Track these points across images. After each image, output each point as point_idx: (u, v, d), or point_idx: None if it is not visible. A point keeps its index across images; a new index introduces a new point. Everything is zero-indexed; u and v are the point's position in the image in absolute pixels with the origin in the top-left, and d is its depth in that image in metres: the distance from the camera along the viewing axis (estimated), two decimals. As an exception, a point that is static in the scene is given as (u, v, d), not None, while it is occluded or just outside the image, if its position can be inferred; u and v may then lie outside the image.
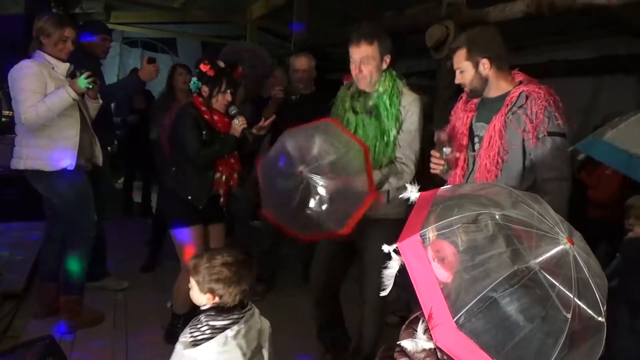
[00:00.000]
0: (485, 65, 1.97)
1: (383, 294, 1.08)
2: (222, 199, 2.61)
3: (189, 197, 2.51)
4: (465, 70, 2.02)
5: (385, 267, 1.06)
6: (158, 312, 3.13)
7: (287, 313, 3.21)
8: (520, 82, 2.01)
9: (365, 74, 2.25)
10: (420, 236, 1.00)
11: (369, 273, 2.28)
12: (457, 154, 2.14)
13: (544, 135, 1.85)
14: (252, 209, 3.72)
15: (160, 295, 3.42)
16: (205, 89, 2.52)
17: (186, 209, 2.54)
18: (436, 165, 2.15)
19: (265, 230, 3.60)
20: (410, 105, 2.25)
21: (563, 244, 0.93)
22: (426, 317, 0.94)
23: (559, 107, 1.89)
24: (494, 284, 0.89)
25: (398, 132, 2.24)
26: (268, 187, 2.10)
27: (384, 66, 2.28)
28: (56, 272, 2.91)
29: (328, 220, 1.95)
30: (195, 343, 1.47)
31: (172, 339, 2.53)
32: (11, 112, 3.55)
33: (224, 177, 2.59)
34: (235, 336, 1.48)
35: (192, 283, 1.59)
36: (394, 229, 2.22)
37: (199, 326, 1.51)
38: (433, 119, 3.80)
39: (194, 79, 2.54)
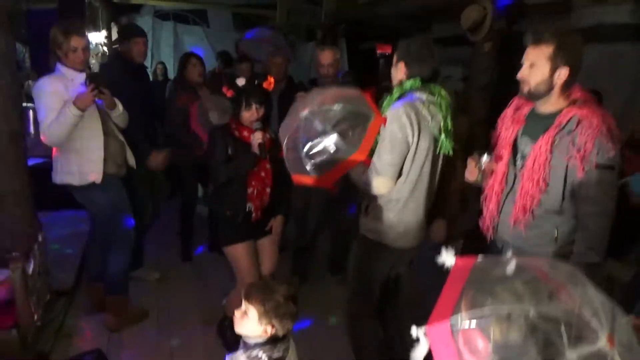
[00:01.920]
0: (563, 74, 1.77)
1: None
2: (253, 214, 2.62)
3: (227, 213, 2.57)
4: (539, 68, 1.79)
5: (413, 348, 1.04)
6: (199, 307, 3.28)
7: (319, 305, 3.35)
8: (575, 101, 1.83)
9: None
10: (451, 324, 0.97)
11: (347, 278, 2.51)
12: (495, 166, 2.05)
13: (592, 167, 1.72)
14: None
15: (201, 287, 3.57)
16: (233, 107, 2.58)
17: (233, 227, 2.60)
18: (471, 174, 2.06)
19: (301, 230, 3.69)
20: (388, 116, 2.10)
21: (601, 345, 0.88)
22: None
23: (612, 136, 1.73)
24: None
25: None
26: (290, 148, 2.18)
27: (400, 76, 2.20)
28: (102, 272, 3.03)
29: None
30: None
31: (221, 335, 2.81)
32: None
33: (255, 192, 2.60)
34: None
35: (250, 312, 1.56)
36: (367, 249, 2.28)
37: None
38: (467, 108, 3.66)
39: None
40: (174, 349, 2.85)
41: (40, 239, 2.77)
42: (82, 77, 2.65)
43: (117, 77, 3.06)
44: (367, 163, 2.15)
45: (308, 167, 2.09)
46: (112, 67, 3.51)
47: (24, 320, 2.40)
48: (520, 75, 1.85)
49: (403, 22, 5.90)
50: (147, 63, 8.60)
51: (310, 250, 3.76)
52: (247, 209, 2.59)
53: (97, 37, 7.48)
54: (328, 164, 2.09)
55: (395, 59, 2.21)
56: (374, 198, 2.22)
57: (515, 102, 2.06)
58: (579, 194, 1.76)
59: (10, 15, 2.62)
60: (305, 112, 2.11)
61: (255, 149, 2.49)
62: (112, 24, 8.22)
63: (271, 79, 2.64)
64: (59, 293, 3.16)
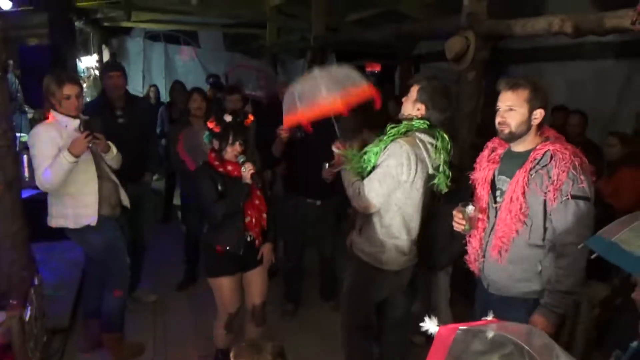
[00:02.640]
0: (538, 116, 1.91)
1: None
2: (256, 241, 2.71)
3: (227, 248, 2.62)
4: (518, 111, 1.91)
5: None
6: (196, 339, 3.33)
7: (316, 331, 3.44)
8: (547, 139, 1.96)
9: (404, 103, 2.42)
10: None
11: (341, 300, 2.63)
12: (480, 215, 2.13)
13: (567, 198, 1.82)
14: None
15: (198, 317, 3.62)
16: (215, 143, 2.61)
17: (223, 261, 2.66)
18: (458, 225, 2.14)
19: (290, 251, 3.73)
20: (390, 149, 2.25)
21: None
22: None
23: (584, 169, 1.84)
24: None
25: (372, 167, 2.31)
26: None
27: (415, 111, 2.34)
28: (98, 308, 3.07)
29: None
30: None
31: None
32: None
33: (253, 220, 2.68)
34: None
35: None
36: (361, 270, 2.41)
37: None
38: (454, 130, 3.73)
39: (207, 132, 2.62)
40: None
41: (36, 282, 2.81)
42: (76, 122, 2.71)
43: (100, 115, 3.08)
44: (344, 115, 2.44)
45: (297, 104, 2.45)
46: (96, 105, 3.58)
47: (22, 366, 2.45)
48: (500, 118, 1.96)
49: (390, 42, 6.00)
50: (139, 86, 8.76)
51: (300, 274, 3.79)
52: (248, 239, 2.66)
53: (88, 61, 7.55)
54: (312, 104, 2.43)
55: (415, 96, 2.32)
56: (367, 220, 2.35)
57: (490, 145, 2.17)
58: (557, 225, 1.86)
59: (3, 67, 2.68)
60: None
61: (249, 180, 2.58)
62: (103, 46, 8.31)
63: (251, 117, 2.73)
64: (55, 331, 3.21)
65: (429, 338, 1.23)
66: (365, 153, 2.38)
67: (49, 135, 2.63)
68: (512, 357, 1.08)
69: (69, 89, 2.67)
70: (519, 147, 1.99)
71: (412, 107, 2.33)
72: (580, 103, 4.53)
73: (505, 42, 4.63)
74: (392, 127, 2.32)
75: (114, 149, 2.89)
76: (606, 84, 4.84)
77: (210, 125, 2.58)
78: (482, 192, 2.13)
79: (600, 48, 4.61)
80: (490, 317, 1.36)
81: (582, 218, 1.83)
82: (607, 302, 2.86)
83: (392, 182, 2.24)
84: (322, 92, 2.42)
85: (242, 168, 2.60)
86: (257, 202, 2.70)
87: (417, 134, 2.28)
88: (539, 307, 1.92)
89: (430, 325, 1.24)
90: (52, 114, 2.72)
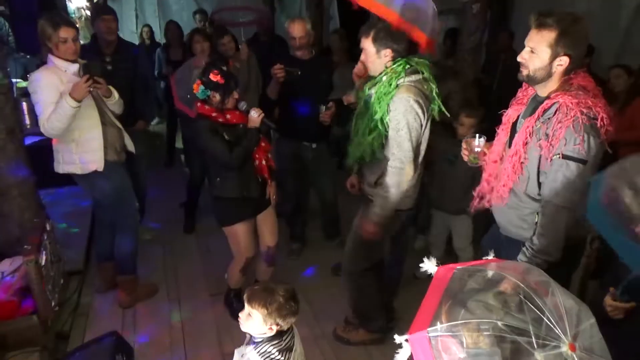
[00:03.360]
0: (563, 63, 1.72)
1: None
2: (269, 182, 2.75)
3: (244, 194, 2.65)
4: (539, 55, 1.74)
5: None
6: (206, 279, 3.45)
7: (322, 269, 3.58)
8: (570, 87, 1.75)
9: (364, 64, 2.36)
10: (428, 333, 1.09)
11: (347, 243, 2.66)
12: (486, 150, 2.12)
13: (558, 157, 1.69)
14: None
15: (205, 260, 3.74)
16: (215, 95, 2.53)
17: (238, 208, 2.70)
18: (465, 155, 2.15)
19: (288, 193, 3.72)
20: (394, 105, 2.22)
21: (563, 349, 1.00)
22: None
23: (589, 130, 1.65)
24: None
25: (386, 131, 2.27)
26: None
27: (384, 59, 2.27)
28: (111, 252, 3.16)
29: None
30: None
31: (228, 306, 3.04)
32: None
33: (263, 162, 2.71)
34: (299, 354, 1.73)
35: (254, 314, 1.66)
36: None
37: (271, 356, 1.67)
38: (458, 71, 3.67)
39: (201, 87, 2.51)
40: (185, 321, 3.04)
41: (48, 227, 2.88)
42: (75, 67, 2.66)
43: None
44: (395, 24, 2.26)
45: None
46: (87, 50, 3.47)
47: (43, 307, 2.55)
48: (521, 58, 1.81)
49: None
50: (133, 26, 8.46)
51: (302, 214, 3.83)
52: (259, 181, 2.70)
53: (78, 1, 7.28)
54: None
55: (374, 48, 2.25)
56: (384, 172, 2.34)
57: (525, 84, 2.00)
58: (544, 182, 1.78)
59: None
60: None
61: (258, 124, 2.59)
62: (93, -16, 7.97)
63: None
64: (71, 273, 3.33)
65: (431, 276, 1.28)
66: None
67: (49, 80, 2.59)
68: (505, 294, 1.12)
69: (65, 32, 2.60)
70: (541, 91, 1.85)
71: (378, 60, 2.29)
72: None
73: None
74: (378, 86, 2.28)
75: (116, 94, 2.86)
76: (616, 15, 4.67)
77: (215, 78, 2.48)
78: (501, 132, 2.05)
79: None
80: (491, 257, 1.41)
81: (570, 180, 1.69)
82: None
83: (418, 131, 2.28)
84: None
85: (252, 112, 2.58)
86: (262, 144, 2.72)
87: (406, 79, 2.24)
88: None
89: (429, 265, 1.30)
90: (50, 59, 2.66)
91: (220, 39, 3.87)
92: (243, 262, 2.83)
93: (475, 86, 3.79)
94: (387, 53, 2.25)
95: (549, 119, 1.75)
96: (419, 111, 2.22)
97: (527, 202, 1.88)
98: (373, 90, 2.31)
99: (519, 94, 2.03)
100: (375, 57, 2.27)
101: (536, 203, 1.85)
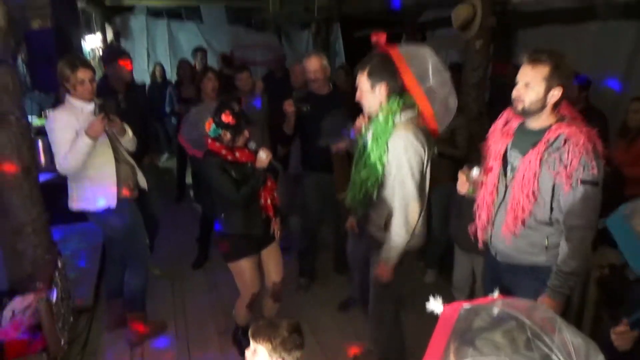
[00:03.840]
0: (556, 93, 1.87)
1: None
2: (274, 220, 2.78)
3: (250, 232, 2.69)
4: (534, 88, 1.87)
5: None
6: (214, 316, 3.43)
7: (330, 304, 3.54)
8: (563, 118, 1.93)
9: (362, 101, 2.34)
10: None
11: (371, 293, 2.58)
12: (485, 177, 2.16)
13: (577, 183, 1.84)
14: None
15: (214, 296, 3.73)
16: (226, 134, 2.60)
17: (242, 244, 2.72)
18: (462, 187, 2.18)
19: (307, 229, 3.77)
20: (393, 144, 2.22)
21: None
22: None
23: (596, 154, 1.85)
24: None
25: (385, 170, 2.26)
26: None
27: (379, 96, 2.26)
28: (121, 288, 3.17)
29: None
30: None
31: (236, 343, 3.03)
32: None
33: (269, 201, 2.74)
34: None
35: (259, 350, 1.67)
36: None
37: None
38: (463, 107, 3.72)
39: (213, 126, 2.59)
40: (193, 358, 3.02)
41: (59, 264, 2.91)
42: (91, 106, 2.75)
43: None
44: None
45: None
46: (102, 88, 3.59)
47: (53, 345, 2.56)
48: (516, 93, 1.93)
49: (394, 12, 5.91)
50: (144, 64, 8.72)
51: (314, 249, 3.84)
52: (264, 218, 2.73)
53: (92, 41, 7.52)
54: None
55: (369, 83, 2.24)
56: (390, 213, 2.33)
57: (504, 115, 2.14)
58: (566, 207, 1.90)
59: (13, 51, 2.71)
60: None
61: (265, 165, 2.64)
62: (106, 25, 8.26)
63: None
64: (80, 310, 3.34)
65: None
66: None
67: (66, 120, 2.68)
68: (513, 332, 1.13)
69: (82, 73, 2.70)
70: (532, 123, 1.97)
71: (373, 96, 2.27)
72: (588, 67, 4.46)
73: (514, 5, 4.54)
74: (374, 125, 2.29)
75: (130, 132, 2.94)
76: (617, 46, 4.74)
77: (226, 119, 2.55)
78: (494, 164, 2.13)
79: (611, 8, 4.51)
80: (496, 294, 1.41)
81: (590, 203, 1.86)
82: (619, 268, 2.89)
83: (420, 167, 2.26)
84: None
85: (261, 153, 2.64)
86: (269, 183, 2.76)
87: (402, 115, 2.24)
88: (546, 289, 1.96)
89: (435, 305, 1.30)
90: (67, 99, 2.76)
91: (240, 74, 4.03)
92: (249, 297, 2.83)
93: (479, 119, 3.83)
94: (382, 88, 2.23)
95: (557, 149, 1.88)
96: (419, 146, 2.21)
97: (540, 228, 1.99)
98: (370, 132, 2.32)
99: (500, 126, 2.13)
100: (370, 93, 2.27)
101: (548, 227, 1.98)
